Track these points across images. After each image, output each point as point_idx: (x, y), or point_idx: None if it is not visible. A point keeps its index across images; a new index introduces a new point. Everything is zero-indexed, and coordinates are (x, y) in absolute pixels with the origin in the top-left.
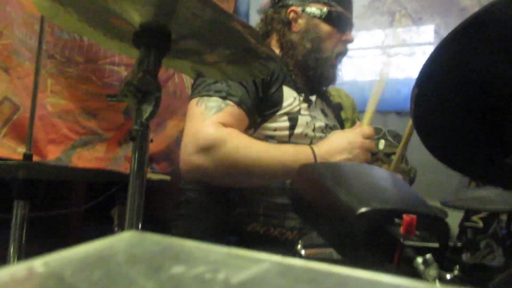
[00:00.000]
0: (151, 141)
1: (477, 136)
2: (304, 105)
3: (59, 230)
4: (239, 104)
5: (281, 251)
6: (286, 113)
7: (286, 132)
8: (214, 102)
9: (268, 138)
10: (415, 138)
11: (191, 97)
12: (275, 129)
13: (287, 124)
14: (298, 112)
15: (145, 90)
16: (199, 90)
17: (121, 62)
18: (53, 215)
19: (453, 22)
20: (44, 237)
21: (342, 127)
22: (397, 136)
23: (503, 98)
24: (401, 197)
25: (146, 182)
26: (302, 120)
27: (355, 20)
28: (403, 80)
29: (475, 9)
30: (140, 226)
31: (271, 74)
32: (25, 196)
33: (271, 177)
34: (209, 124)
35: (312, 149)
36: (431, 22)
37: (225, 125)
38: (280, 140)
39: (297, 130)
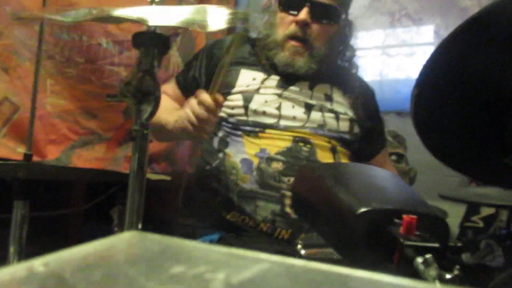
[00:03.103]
0: (151, 141)
1: (477, 136)
2: (269, 84)
3: (59, 230)
4: (176, 81)
5: (258, 242)
6: (240, 92)
7: (242, 110)
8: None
9: (229, 117)
10: (415, 138)
11: None
12: (232, 108)
13: (241, 103)
14: (256, 91)
15: (144, 90)
16: None
17: (120, 62)
18: (53, 215)
19: (453, 23)
20: (44, 237)
21: (359, 115)
22: (397, 136)
23: (503, 98)
24: (401, 197)
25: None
26: (259, 98)
27: (355, 20)
28: (403, 80)
29: (475, 9)
30: (140, 226)
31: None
32: (25, 196)
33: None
34: None
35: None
36: (431, 23)
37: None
38: (239, 118)
39: (251, 106)
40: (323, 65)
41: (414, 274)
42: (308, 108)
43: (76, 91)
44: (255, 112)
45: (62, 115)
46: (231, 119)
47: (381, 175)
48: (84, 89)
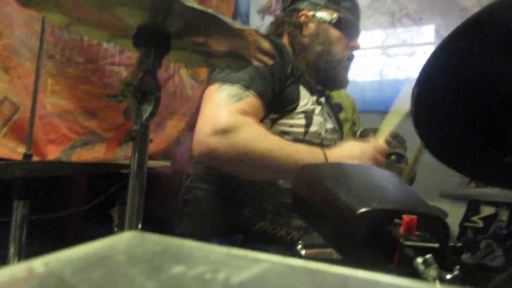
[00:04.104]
0: (151, 141)
1: (477, 136)
2: (318, 107)
3: (60, 230)
4: (259, 95)
5: (286, 251)
6: (303, 111)
7: (302, 130)
8: (235, 90)
9: (283, 134)
10: (415, 138)
11: (210, 82)
12: (291, 126)
13: (303, 121)
14: (313, 111)
15: (145, 90)
16: (220, 76)
17: (121, 62)
18: (54, 217)
19: (454, 22)
20: (44, 238)
21: (341, 128)
22: (397, 137)
23: (503, 97)
24: (401, 197)
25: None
26: (317, 119)
27: None
28: (403, 80)
29: (475, 9)
30: (140, 226)
31: (289, 70)
32: (25, 197)
33: (282, 172)
34: (229, 110)
35: (324, 152)
36: (432, 22)
37: (244, 113)
38: (295, 137)
39: (312, 129)
40: None
41: (414, 274)
42: (331, 129)
43: (76, 91)
44: (314, 133)
45: (62, 115)
46: (286, 137)
47: (381, 175)
48: (84, 89)
